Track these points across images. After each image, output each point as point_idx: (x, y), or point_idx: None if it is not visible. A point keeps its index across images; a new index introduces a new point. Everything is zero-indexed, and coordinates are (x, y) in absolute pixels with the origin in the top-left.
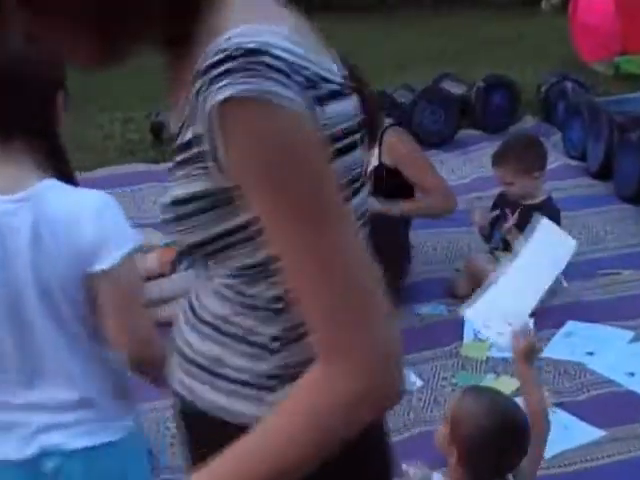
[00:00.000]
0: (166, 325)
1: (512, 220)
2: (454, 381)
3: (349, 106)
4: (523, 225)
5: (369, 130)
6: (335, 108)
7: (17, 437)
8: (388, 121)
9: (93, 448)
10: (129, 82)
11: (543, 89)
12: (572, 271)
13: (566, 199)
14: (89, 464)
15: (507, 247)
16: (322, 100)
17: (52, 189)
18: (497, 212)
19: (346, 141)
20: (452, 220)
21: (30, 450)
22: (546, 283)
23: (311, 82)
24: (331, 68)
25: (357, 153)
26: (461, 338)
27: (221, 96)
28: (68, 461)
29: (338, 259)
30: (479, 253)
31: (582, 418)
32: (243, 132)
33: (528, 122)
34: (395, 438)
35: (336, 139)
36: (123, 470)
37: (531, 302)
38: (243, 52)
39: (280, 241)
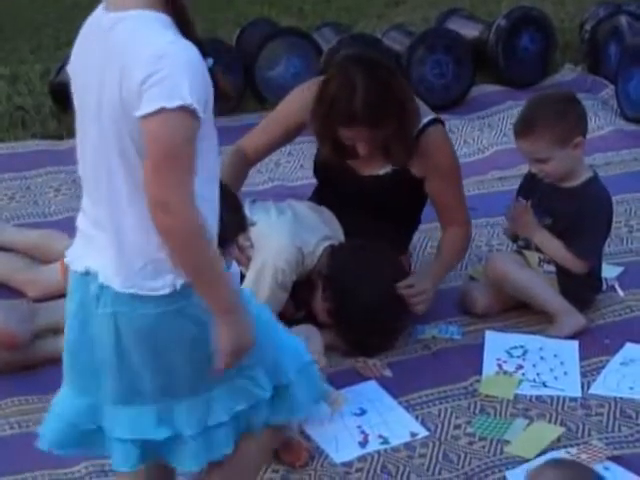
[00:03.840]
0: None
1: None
2: (471, 429)
3: None
4: (561, 221)
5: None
6: None
7: (81, 248)
8: (425, 111)
9: (121, 294)
10: (18, 25)
11: (588, 27)
12: (630, 275)
13: (621, 177)
14: (119, 306)
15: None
16: None
17: (135, 20)
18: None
19: None
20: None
21: (81, 267)
22: None
23: None
24: None
25: None
26: (480, 371)
27: None
28: (103, 292)
29: None
30: (503, 253)
31: None
32: None
33: (568, 73)
34: None
35: None
36: (153, 327)
37: None
38: None
39: None
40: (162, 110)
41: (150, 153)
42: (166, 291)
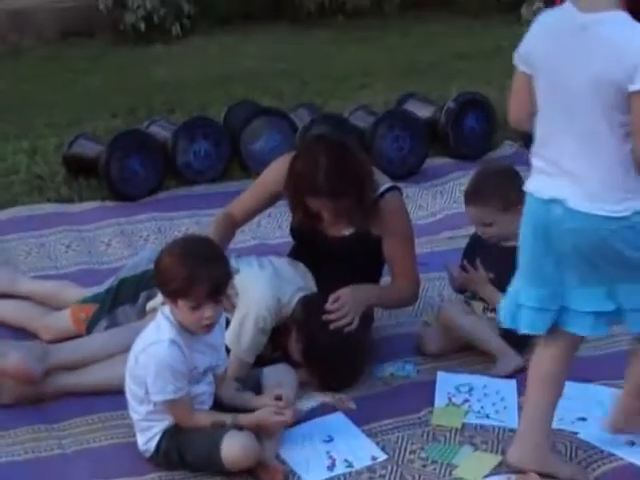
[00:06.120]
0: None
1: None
2: (424, 455)
3: None
4: (503, 274)
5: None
6: None
7: (543, 183)
8: (383, 180)
9: (588, 215)
10: (36, 105)
11: None
12: None
13: None
14: (583, 223)
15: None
16: None
17: (613, 20)
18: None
19: None
20: (420, 264)
21: (546, 195)
22: None
23: None
24: None
25: None
26: (432, 403)
27: None
28: (568, 214)
29: None
30: (452, 302)
31: None
32: None
33: (507, 149)
34: None
35: None
36: (607, 239)
37: None
38: None
39: None
40: None
41: (637, 121)
42: (627, 213)
